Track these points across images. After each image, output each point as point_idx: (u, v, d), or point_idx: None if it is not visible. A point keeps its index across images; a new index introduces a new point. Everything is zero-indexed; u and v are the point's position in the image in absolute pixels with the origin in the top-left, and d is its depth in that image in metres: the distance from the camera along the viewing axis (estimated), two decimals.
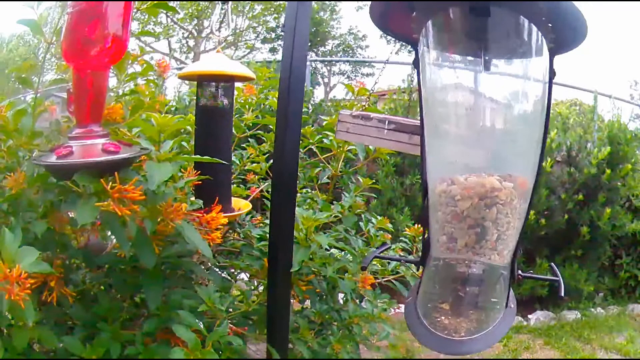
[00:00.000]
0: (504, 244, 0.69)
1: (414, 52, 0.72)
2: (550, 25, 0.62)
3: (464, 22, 0.66)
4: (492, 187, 0.66)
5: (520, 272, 0.74)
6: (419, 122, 0.79)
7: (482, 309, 0.73)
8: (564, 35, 0.63)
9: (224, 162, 0.96)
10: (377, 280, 1.25)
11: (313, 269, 1.08)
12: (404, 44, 0.72)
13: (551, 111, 0.69)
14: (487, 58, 0.67)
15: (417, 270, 1.19)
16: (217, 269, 1.14)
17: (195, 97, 1.08)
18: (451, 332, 0.70)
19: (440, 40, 0.70)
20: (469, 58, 0.69)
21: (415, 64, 0.72)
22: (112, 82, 0.90)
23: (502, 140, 0.71)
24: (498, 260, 0.70)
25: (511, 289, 0.74)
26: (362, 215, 1.28)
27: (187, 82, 3.70)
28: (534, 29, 0.63)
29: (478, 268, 0.70)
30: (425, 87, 0.72)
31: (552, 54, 0.65)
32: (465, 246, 0.69)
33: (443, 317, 0.72)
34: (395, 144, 0.92)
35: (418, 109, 0.76)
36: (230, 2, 1.12)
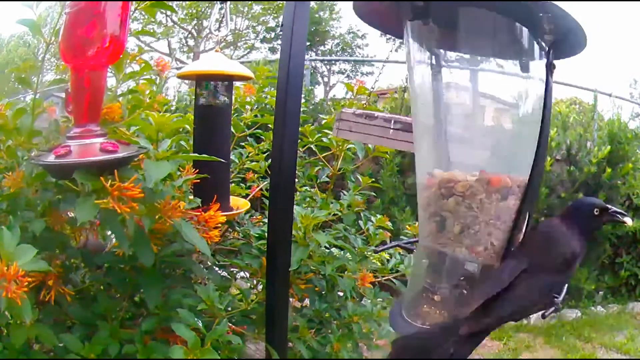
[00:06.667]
0: (473, 239, 0.67)
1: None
2: (548, 35, 0.63)
3: (445, 21, 0.67)
4: (450, 178, 0.67)
5: None
6: None
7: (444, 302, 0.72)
8: (562, 47, 0.64)
9: (222, 160, 0.96)
10: (377, 279, 1.24)
11: (312, 267, 1.08)
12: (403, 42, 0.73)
13: (550, 111, 0.69)
14: (464, 55, 0.68)
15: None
16: (217, 268, 1.14)
17: (194, 97, 1.08)
18: (425, 322, 0.70)
19: (423, 38, 0.70)
20: (451, 54, 0.70)
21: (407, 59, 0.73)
22: (111, 81, 0.90)
23: (480, 137, 0.73)
24: (467, 256, 0.68)
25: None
26: (362, 214, 1.28)
27: (187, 81, 3.70)
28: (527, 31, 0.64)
29: (441, 259, 0.70)
30: (412, 84, 0.74)
31: (549, 55, 0.65)
32: (428, 235, 0.71)
33: (425, 307, 0.72)
34: (402, 143, 0.91)
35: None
36: (228, 2, 1.12)
